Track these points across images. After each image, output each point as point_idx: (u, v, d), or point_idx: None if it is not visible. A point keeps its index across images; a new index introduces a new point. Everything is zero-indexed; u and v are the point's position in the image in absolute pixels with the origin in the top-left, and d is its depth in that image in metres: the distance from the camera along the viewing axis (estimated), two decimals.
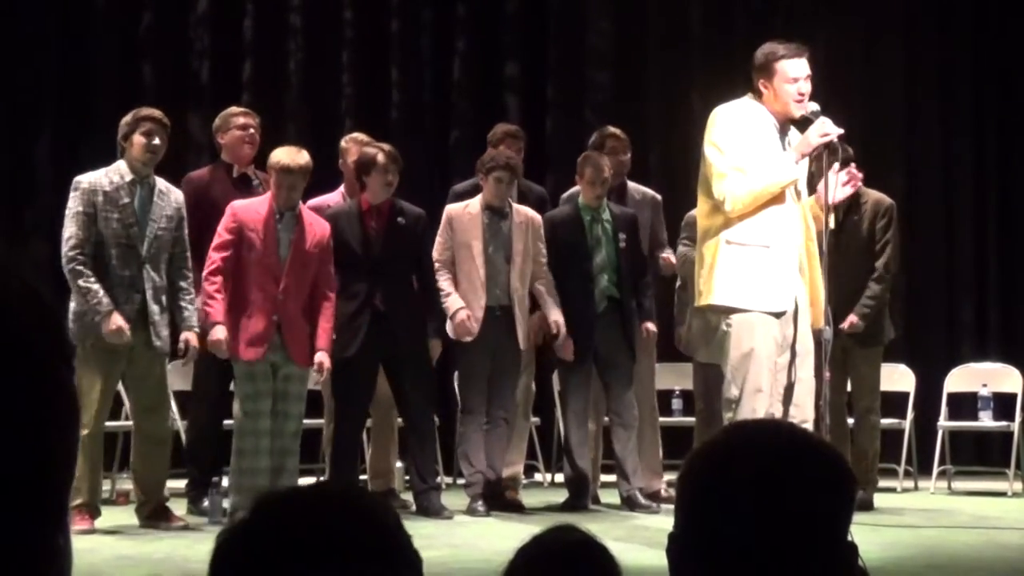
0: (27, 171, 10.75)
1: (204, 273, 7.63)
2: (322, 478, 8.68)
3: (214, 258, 7.65)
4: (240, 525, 1.40)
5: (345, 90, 11.24)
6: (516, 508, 8.27)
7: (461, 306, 8.27)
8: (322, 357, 7.77)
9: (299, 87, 11.20)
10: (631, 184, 9.01)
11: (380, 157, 8.11)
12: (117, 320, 7.25)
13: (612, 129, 9.07)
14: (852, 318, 8.53)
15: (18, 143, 10.75)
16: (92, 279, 7.28)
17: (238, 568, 1.38)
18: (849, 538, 1.70)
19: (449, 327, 8.35)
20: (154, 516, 7.51)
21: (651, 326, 8.77)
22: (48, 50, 10.80)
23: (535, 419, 9.29)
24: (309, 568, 1.35)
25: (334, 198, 8.61)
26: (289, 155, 7.75)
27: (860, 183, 6.51)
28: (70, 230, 7.35)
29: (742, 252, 6.10)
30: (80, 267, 7.31)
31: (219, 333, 7.59)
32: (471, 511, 8.17)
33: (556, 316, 8.38)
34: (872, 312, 8.61)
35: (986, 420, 9.71)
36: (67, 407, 1.26)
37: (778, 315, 6.10)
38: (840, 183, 6.33)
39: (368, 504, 1.44)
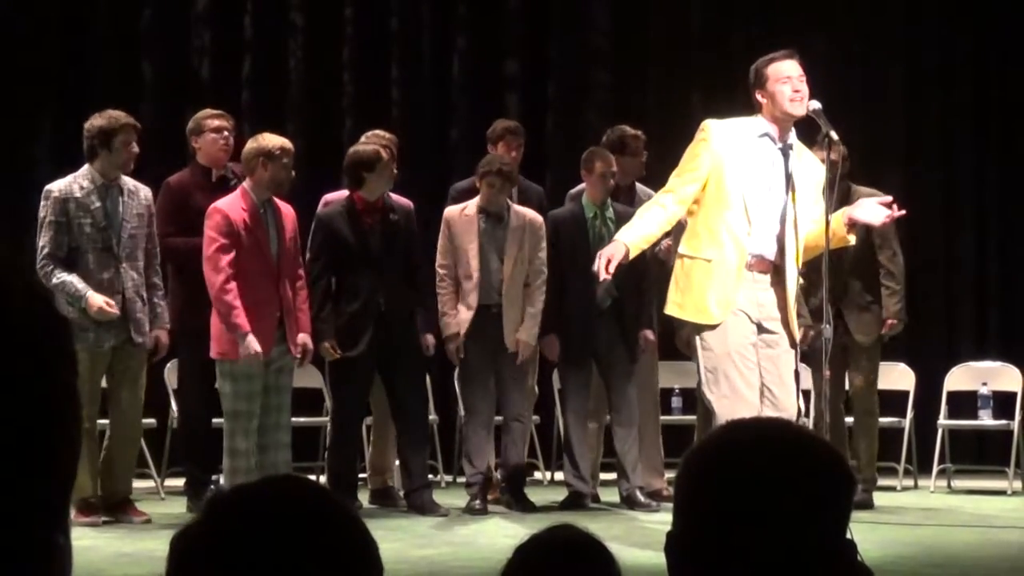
0: (26, 169, 10.73)
1: (219, 281, 7.51)
2: (322, 476, 8.68)
3: (223, 264, 7.52)
4: (194, 525, 1.39)
5: (345, 88, 11.23)
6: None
7: (455, 333, 8.29)
8: (305, 339, 7.75)
9: (299, 85, 11.18)
10: (639, 185, 8.96)
11: (384, 153, 8.12)
12: (96, 300, 7.35)
13: (629, 129, 8.98)
14: (890, 321, 8.64)
15: (17, 141, 10.74)
16: (62, 273, 7.42)
17: (195, 568, 1.37)
18: (848, 536, 1.71)
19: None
20: (116, 509, 7.55)
21: (649, 334, 8.68)
22: (48, 47, 10.79)
23: (535, 418, 9.30)
24: (266, 563, 1.35)
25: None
26: (278, 138, 7.84)
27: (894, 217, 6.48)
28: (43, 240, 7.52)
29: (689, 264, 6.29)
30: (49, 270, 7.44)
31: (254, 345, 7.50)
32: (470, 509, 8.17)
33: (522, 335, 8.32)
34: (903, 307, 8.69)
35: (986, 419, 9.71)
36: (69, 407, 1.26)
37: (714, 325, 6.19)
38: (880, 212, 6.33)
39: (320, 495, 1.43)
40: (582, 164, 8.57)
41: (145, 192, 7.73)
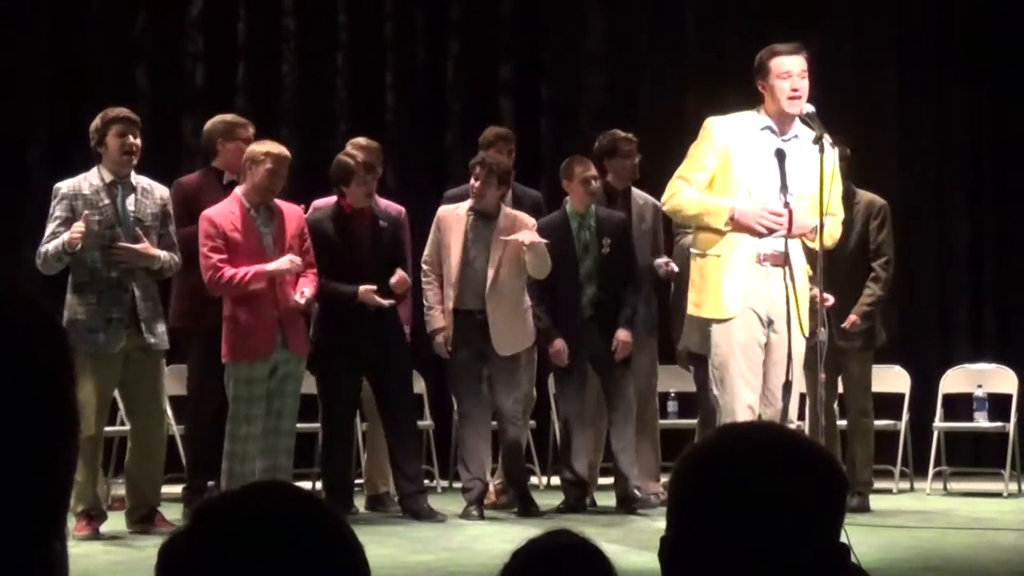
0: (20, 177, 10.72)
1: (215, 276, 7.58)
2: (319, 483, 8.68)
3: (214, 261, 7.60)
4: (182, 533, 1.39)
5: (339, 93, 11.24)
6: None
7: (441, 327, 8.26)
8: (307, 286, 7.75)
9: (293, 90, 11.18)
10: (635, 190, 8.95)
11: (357, 165, 8.14)
12: (77, 227, 7.20)
13: (621, 132, 8.95)
14: (853, 317, 8.56)
15: (10, 148, 10.73)
16: (47, 244, 7.29)
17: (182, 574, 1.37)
18: (842, 539, 1.70)
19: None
20: (144, 521, 7.50)
21: (623, 335, 8.32)
22: (41, 53, 10.79)
23: (531, 423, 9.29)
24: (252, 570, 1.35)
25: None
26: (268, 143, 7.90)
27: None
28: (47, 233, 7.38)
29: (702, 263, 6.36)
30: (40, 251, 7.32)
31: (283, 264, 7.59)
32: (466, 515, 8.16)
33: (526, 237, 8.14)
34: (872, 312, 8.64)
35: (981, 421, 9.71)
36: (67, 417, 1.26)
37: (728, 320, 6.21)
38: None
39: (305, 501, 1.43)
40: (561, 173, 8.53)
41: (161, 191, 7.65)
